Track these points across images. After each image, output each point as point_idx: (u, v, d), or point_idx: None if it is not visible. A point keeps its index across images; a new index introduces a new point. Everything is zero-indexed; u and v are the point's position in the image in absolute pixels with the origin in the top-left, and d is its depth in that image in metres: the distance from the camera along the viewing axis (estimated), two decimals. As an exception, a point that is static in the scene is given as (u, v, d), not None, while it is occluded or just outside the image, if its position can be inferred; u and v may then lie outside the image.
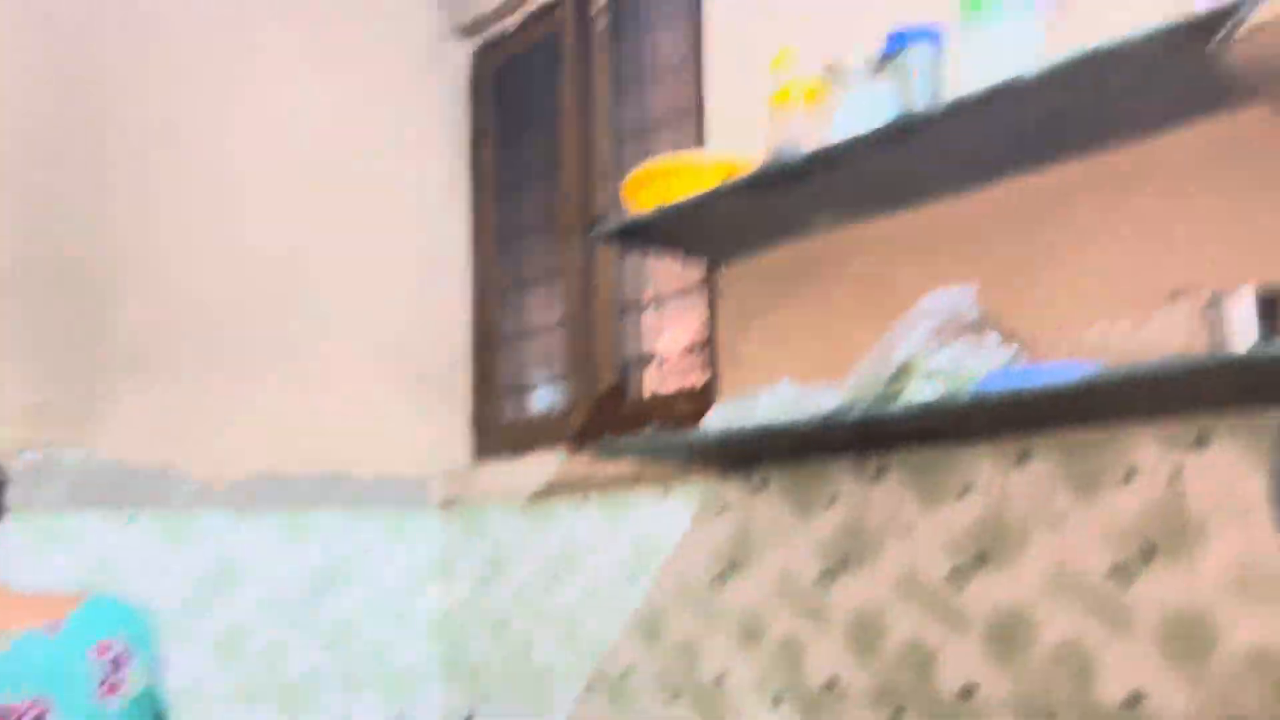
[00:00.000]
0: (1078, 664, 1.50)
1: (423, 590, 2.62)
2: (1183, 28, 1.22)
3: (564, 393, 2.56)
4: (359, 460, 2.56)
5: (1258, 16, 0.66)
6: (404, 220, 2.73)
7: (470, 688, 2.52)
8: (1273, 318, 1.23)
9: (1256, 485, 1.35)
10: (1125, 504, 1.47)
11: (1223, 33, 0.68)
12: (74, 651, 1.26)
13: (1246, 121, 1.34)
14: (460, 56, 2.88)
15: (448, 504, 2.65)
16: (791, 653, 1.86)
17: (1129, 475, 1.47)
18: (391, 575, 2.58)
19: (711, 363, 2.13)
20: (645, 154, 2.38)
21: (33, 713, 1.21)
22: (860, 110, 1.60)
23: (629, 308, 2.46)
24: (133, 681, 1.29)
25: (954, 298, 1.53)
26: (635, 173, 1.95)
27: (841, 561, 1.81)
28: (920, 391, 1.48)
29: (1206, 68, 1.20)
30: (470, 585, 2.56)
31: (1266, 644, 1.33)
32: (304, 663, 2.42)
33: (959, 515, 1.65)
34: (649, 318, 2.43)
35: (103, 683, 1.26)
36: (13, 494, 1.47)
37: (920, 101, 1.54)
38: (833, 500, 1.83)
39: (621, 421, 2.36)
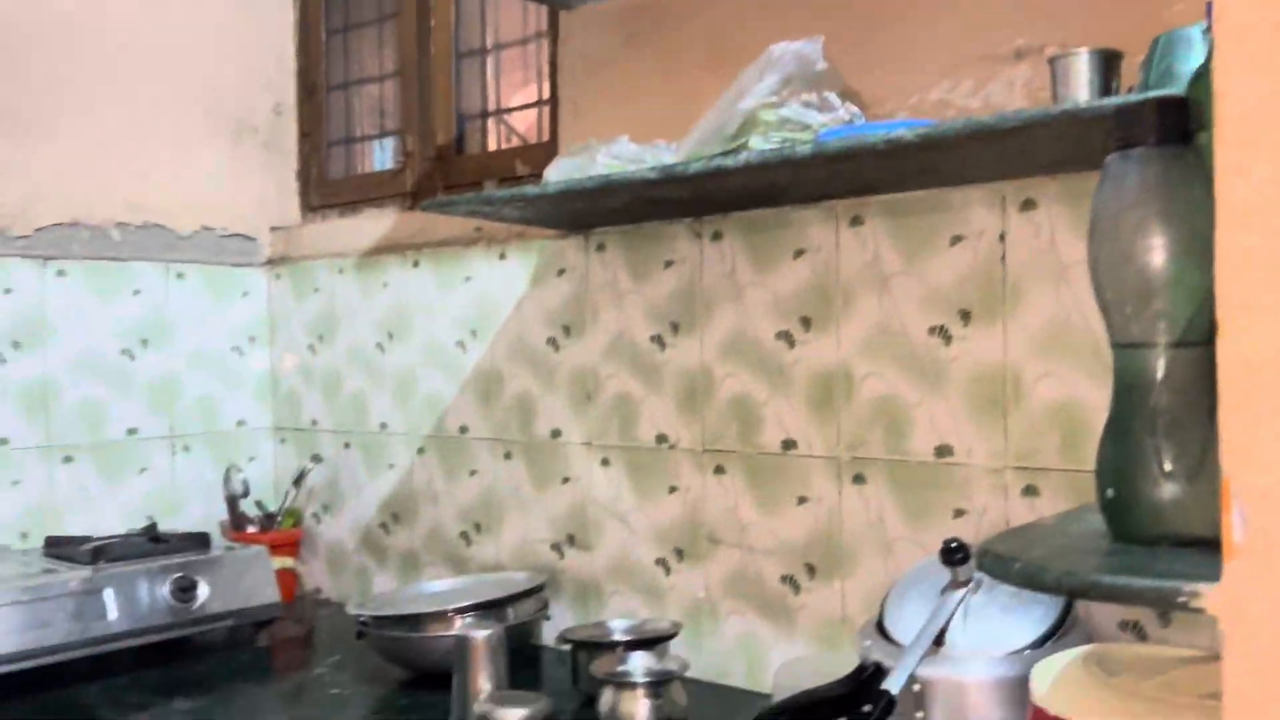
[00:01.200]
0: (890, 419, 1.57)
1: (249, 349, 2.53)
2: None
3: (397, 147, 2.43)
4: (177, 212, 2.40)
5: None
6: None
7: (303, 446, 2.49)
8: (1109, 77, 1.23)
9: (1075, 247, 1.39)
10: (950, 266, 1.50)
11: None
12: None
13: None
14: None
15: (275, 261, 2.53)
16: (623, 412, 1.89)
17: (955, 239, 1.50)
18: (216, 333, 2.47)
19: (553, 118, 2.04)
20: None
21: None
22: None
23: (468, 57, 2.31)
24: None
25: (801, 49, 1.48)
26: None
27: (674, 324, 1.81)
28: (762, 145, 1.45)
29: None
30: (300, 344, 2.49)
31: (1064, 400, 1.41)
32: (124, 422, 2.33)
33: (790, 278, 1.66)
34: (489, 68, 2.30)
35: None
36: None
37: None
38: (668, 263, 1.81)
39: (458, 178, 2.27)
